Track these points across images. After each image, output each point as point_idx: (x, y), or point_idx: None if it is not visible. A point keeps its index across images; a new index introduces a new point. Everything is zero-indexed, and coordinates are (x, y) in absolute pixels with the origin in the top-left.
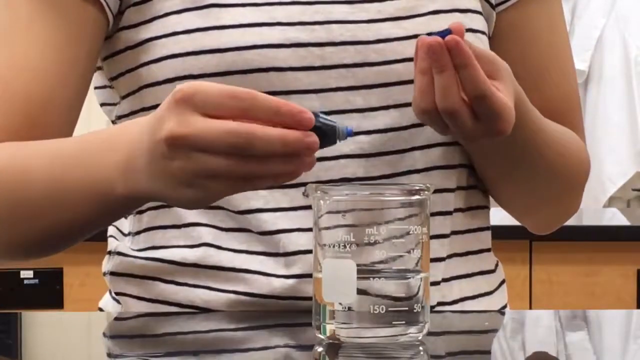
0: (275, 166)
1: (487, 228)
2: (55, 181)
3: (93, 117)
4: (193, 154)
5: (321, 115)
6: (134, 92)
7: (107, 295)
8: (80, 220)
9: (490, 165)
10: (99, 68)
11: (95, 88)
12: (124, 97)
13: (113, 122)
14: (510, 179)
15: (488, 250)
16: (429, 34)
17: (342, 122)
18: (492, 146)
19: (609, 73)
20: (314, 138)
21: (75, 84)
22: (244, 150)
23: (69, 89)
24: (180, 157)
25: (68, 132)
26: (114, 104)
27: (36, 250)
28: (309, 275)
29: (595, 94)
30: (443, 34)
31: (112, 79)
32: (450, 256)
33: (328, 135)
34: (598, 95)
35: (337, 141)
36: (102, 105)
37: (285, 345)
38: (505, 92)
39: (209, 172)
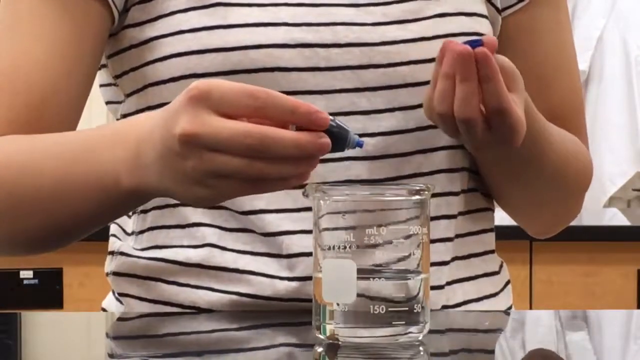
0: (287, 168)
1: (491, 230)
2: (61, 175)
3: (94, 115)
4: (206, 153)
5: (336, 120)
6: (138, 91)
7: (110, 296)
8: (85, 215)
9: (494, 169)
10: (104, 66)
11: (101, 86)
12: (128, 95)
13: (118, 120)
14: (513, 182)
15: (492, 252)
16: (464, 42)
17: (355, 132)
18: (498, 152)
19: (609, 73)
20: (326, 140)
21: (79, 79)
22: (257, 152)
23: (72, 84)
24: (193, 155)
25: (71, 127)
26: (119, 102)
27: (40, 245)
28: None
29: (595, 94)
30: (474, 43)
31: (117, 76)
32: (452, 259)
33: (338, 140)
34: (598, 95)
35: (345, 149)
36: (107, 103)
37: (285, 345)
38: (519, 103)
39: (221, 172)
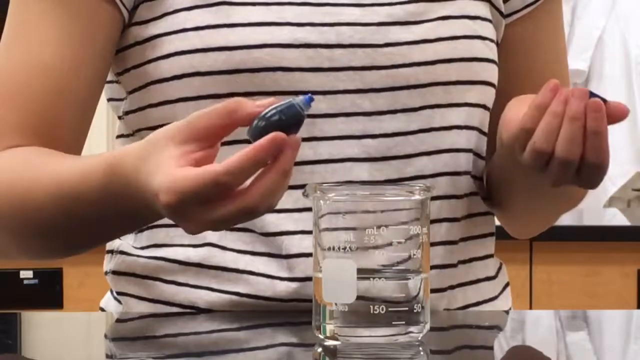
0: (280, 194)
1: (492, 234)
2: (65, 213)
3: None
4: (219, 225)
5: (275, 108)
6: (140, 88)
7: (108, 295)
8: (99, 238)
9: (520, 192)
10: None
11: None
12: (130, 93)
13: (120, 117)
14: (526, 201)
15: (492, 256)
16: (591, 95)
17: (356, 133)
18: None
19: (609, 73)
20: (293, 143)
21: (89, 81)
22: (263, 207)
23: (83, 87)
24: (200, 230)
25: (83, 129)
26: (121, 100)
27: (48, 258)
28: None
29: None
30: (600, 98)
31: (119, 74)
32: (458, 263)
33: (296, 119)
34: None
35: (304, 115)
36: (109, 100)
37: (285, 345)
38: None
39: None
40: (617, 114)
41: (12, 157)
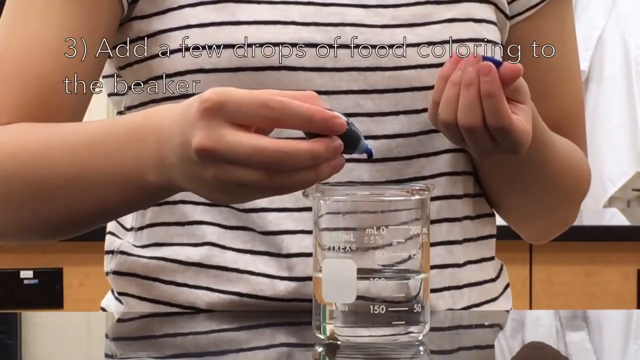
0: (304, 176)
1: (493, 235)
2: (79, 167)
3: (93, 108)
4: (224, 166)
5: (350, 122)
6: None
7: (109, 295)
8: (107, 207)
9: (495, 173)
10: (108, 57)
11: (103, 77)
12: (131, 88)
13: (121, 112)
14: (512, 188)
15: (494, 257)
16: (484, 59)
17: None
18: (501, 158)
19: (609, 73)
20: (339, 142)
21: (88, 69)
22: (274, 166)
23: (83, 73)
24: (212, 167)
25: (79, 115)
26: (122, 94)
27: (55, 233)
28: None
29: (595, 94)
30: (495, 62)
31: (121, 68)
32: (465, 263)
33: (349, 144)
34: (598, 95)
35: (354, 153)
36: (109, 95)
37: (285, 345)
38: (525, 115)
39: (240, 183)
40: (509, 76)
41: (19, 127)
